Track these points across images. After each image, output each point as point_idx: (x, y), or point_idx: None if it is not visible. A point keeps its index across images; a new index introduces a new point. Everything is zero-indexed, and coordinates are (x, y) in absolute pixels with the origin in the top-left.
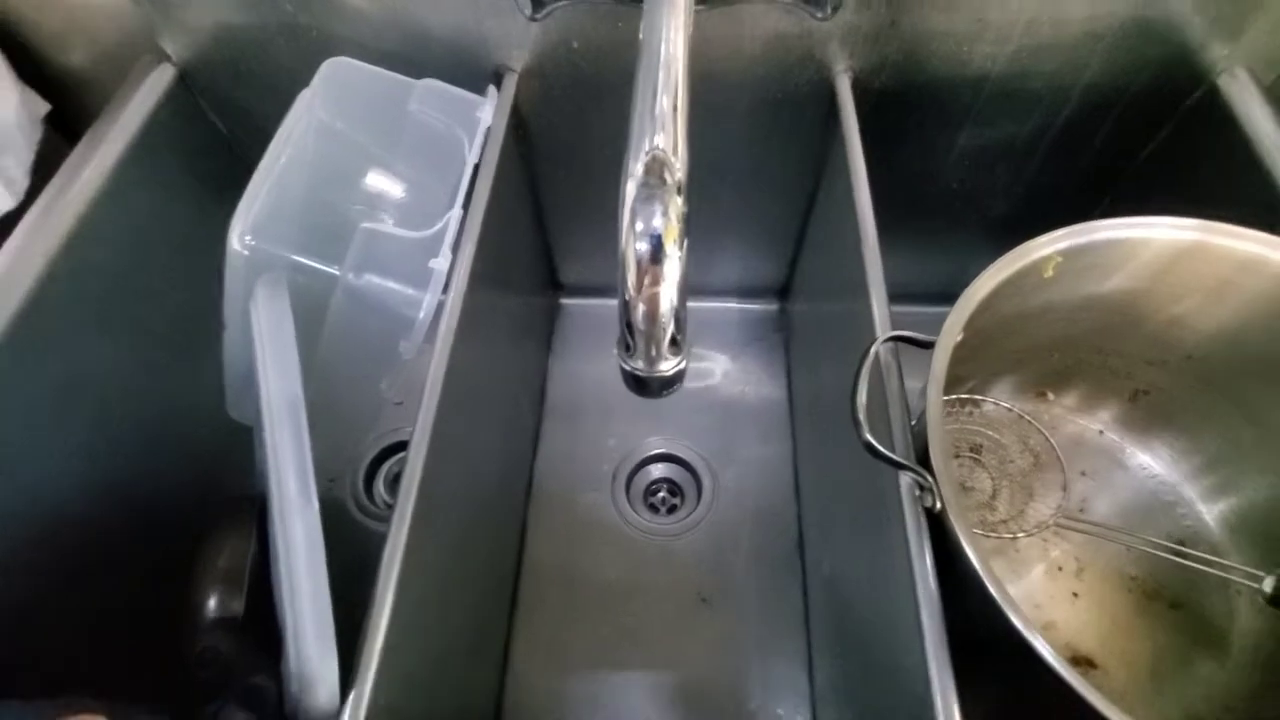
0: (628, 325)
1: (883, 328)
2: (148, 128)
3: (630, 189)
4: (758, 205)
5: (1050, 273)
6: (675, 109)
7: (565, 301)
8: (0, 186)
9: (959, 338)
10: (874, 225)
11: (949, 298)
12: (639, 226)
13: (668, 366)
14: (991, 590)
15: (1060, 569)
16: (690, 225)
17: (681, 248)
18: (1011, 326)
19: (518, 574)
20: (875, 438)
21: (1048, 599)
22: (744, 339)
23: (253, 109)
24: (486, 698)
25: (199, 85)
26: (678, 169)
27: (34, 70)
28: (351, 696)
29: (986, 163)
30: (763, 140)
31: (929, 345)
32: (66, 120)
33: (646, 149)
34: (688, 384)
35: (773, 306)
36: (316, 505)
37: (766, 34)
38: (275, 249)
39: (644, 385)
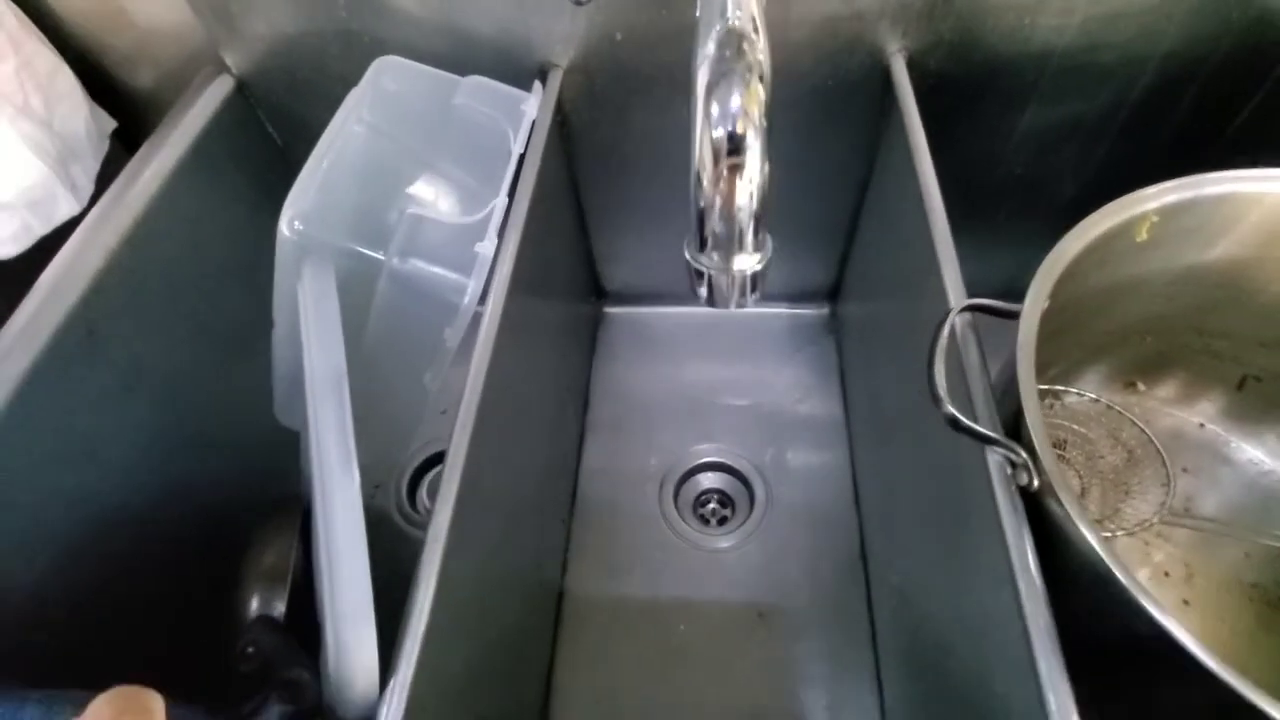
0: (700, 221)
1: (957, 297)
2: (205, 135)
3: (703, 72)
4: (805, 202)
5: (1144, 235)
6: None
7: (609, 310)
8: (68, 192)
9: (1045, 304)
10: (940, 199)
11: (1014, 295)
12: (715, 109)
13: (746, 263)
14: (1120, 577)
15: (1167, 574)
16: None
17: (763, 131)
18: (1097, 303)
19: (562, 586)
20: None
21: None
22: (794, 344)
23: (306, 117)
24: (530, 715)
25: (256, 95)
26: (759, 44)
27: (104, 89)
28: (392, 686)
29: (1053, 145)
30: (811, 132)
31: (1012, 315)
32: (132, 136)
33: (720, 24)
34: (735, 395)
35: (823, 310)
36: (358, 478)
37: (815, 17)
38: (323, 235)
39: (717, 288)
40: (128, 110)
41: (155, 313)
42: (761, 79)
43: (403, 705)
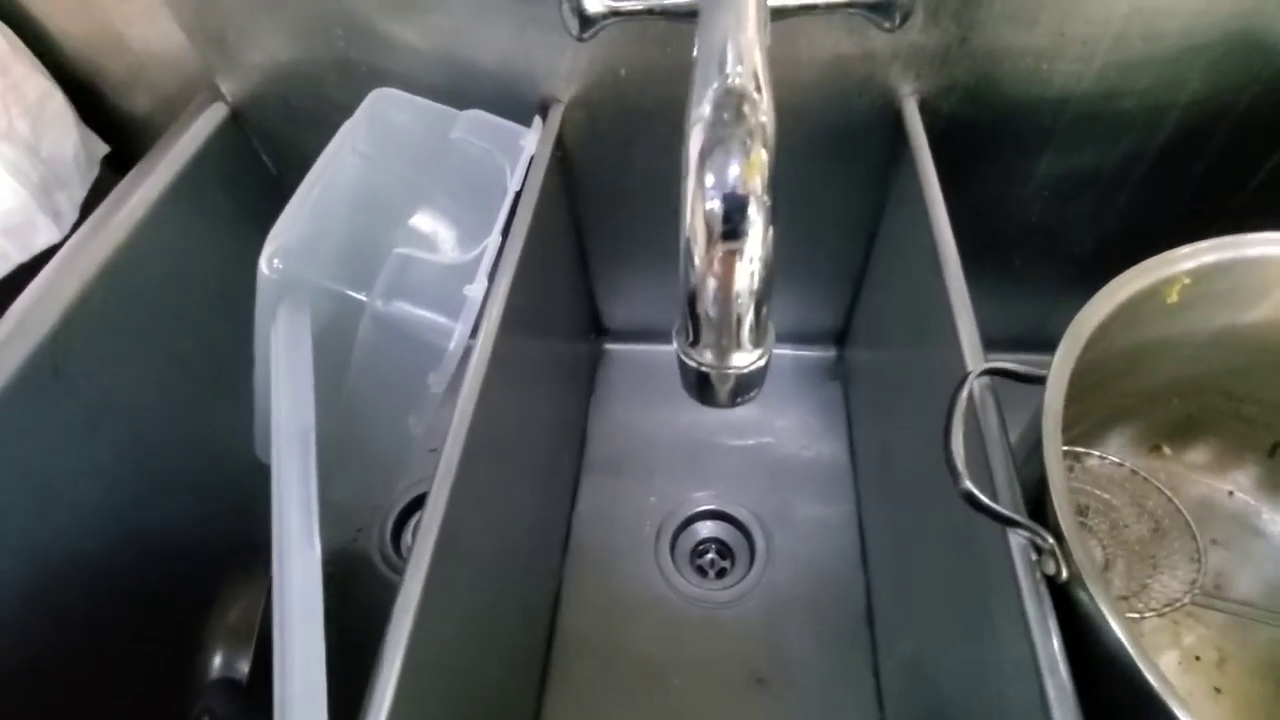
0: (691, 306)
1: (974, 360)
2: (196, 162)
3: (696, 135)
4: (813, 243)
5: (1175, 297)
6: (757, 37)
7: (609, 347)
8: (49, 220)
9: (1073, 367)
10: (955, 251)
11: (1029, 345)
12: (710, 180)
13: (744, 360)
14: (1155, 687)
15: (1198, 659)
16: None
17: (766, 206)
18: (1123, 364)
19: (550, 641)
20: (976, 487)
21: (1184, 695)
22: (798, 388)
23: (302, 146)
24: None
25: (251, 122)
26: (762, 105)
27: (100, 114)
28: None
29: (1070, 193)
30: (820, 173)
31: (1036, 380)
32: (125, 162)
33: (717, 82)
34: (737, 438)
35: (829, 353)
36: (319, 548)
37: (825, 56)
38: (305, 273)
39: (710, 387)
40: (123, 136)
41: (129, 347)
42: (765, 145)
43: None
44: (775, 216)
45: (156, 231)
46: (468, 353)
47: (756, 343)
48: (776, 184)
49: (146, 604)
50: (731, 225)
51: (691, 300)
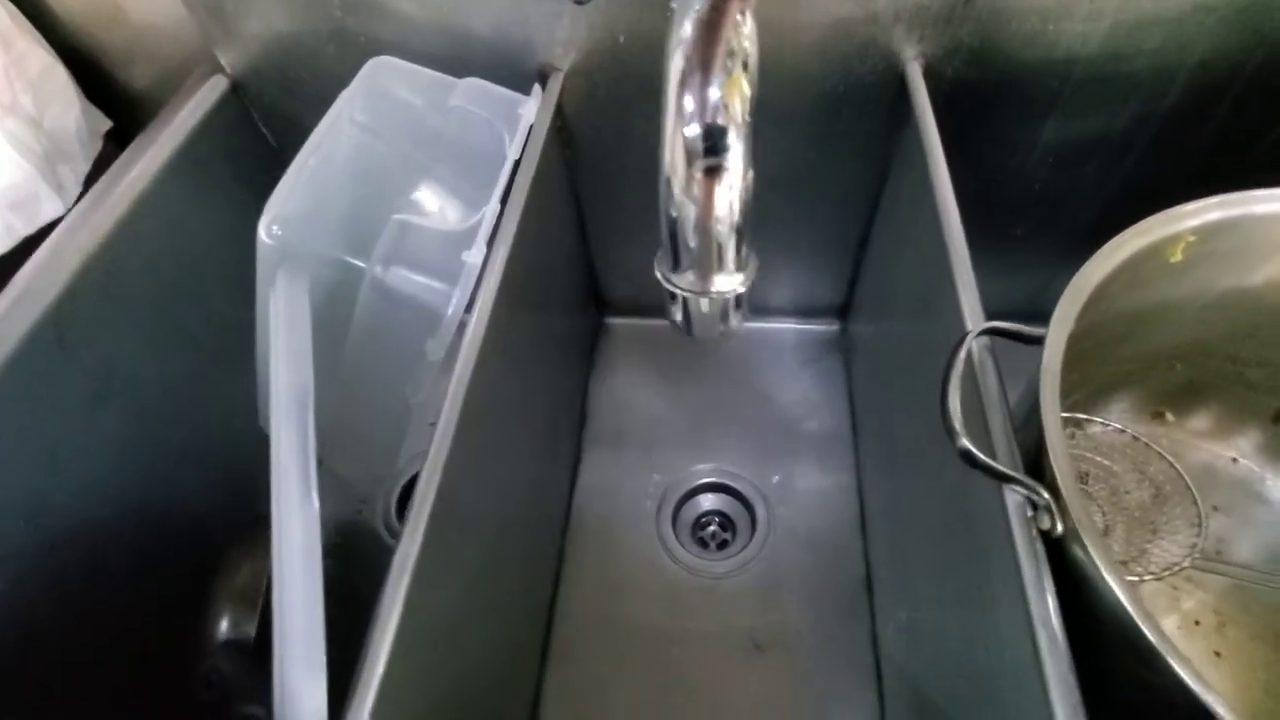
0: (671, 232)
1: (974, 320)
2: (197, 135)
3: (676, 58)
4: (814, 214)
5: (1179, 256)
6: None
7: (610, 320)
8: (53, 193)
9: (1072, 327)
10: (957, 213)
11: (1032, 317)
12: (688, 103)
13: (728, 284)
14: (1150, 637)
15: (1197, 623)
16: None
17: (747, 132)
18: (1125, 327)
19: (551, 612)
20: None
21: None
22: (800, 361)
23: (301, 117)
24: None
25: (250, 95)
26: (745, 28)
27: (101, 88)
28: None
29: (1076, 159)
30: (820, 141)
31: (1035, 340)
32: (128, 137)
33: (700, 4)
34: (739, 411)
35: (832, 326)
36: (317, 504)
37: (825, 19)
38: (305, 241)
39: (694, 313)
40: (124, 110)
41: (133, 319)
42: (746, 69)
43: None
44: (780, 155)
45: (158, 204)
46: (465, 325)
47: (739, 266)
48: (776, 153)
49: (155, 569)
50: (711, 150)
51: (671, 226)
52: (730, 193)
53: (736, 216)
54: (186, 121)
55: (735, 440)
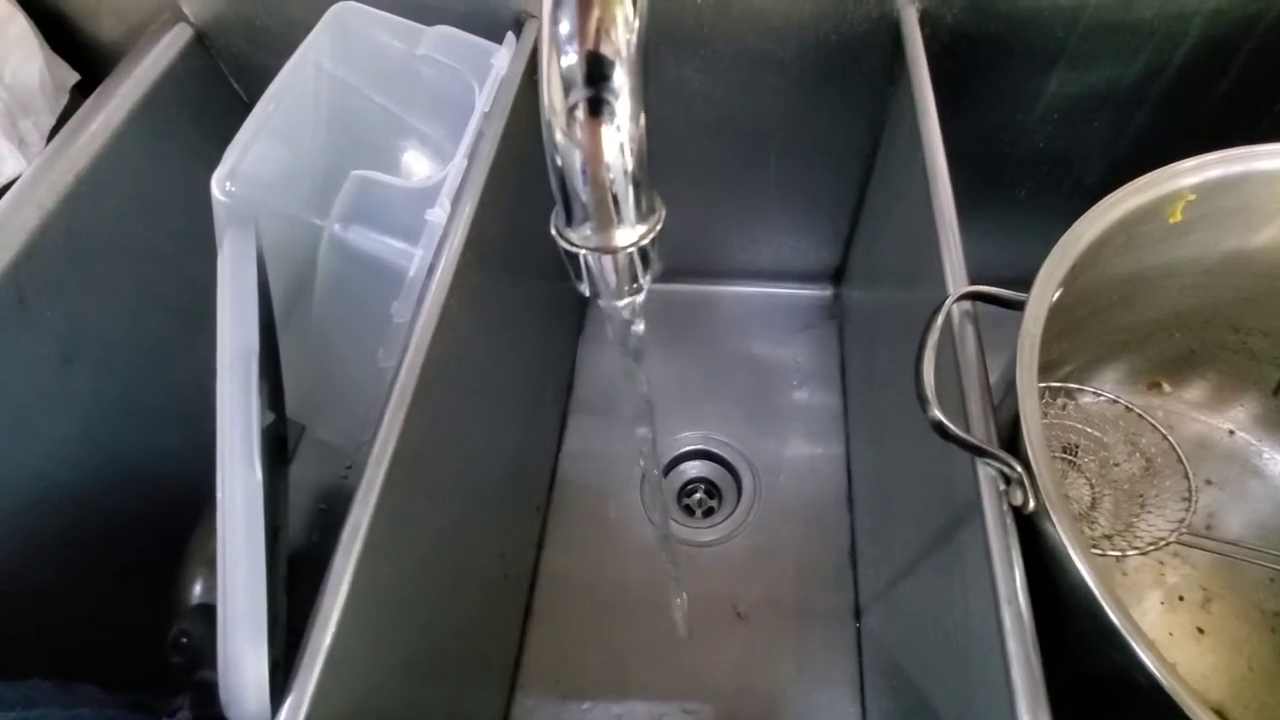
0: (559, 181)
1: (956, 282)
2: (160, 87)
3: None
4: (808, 173)
5: (1179, 216)
6: None
7: None
8: (14, 148)
9: (1056, 295)
10: (945, 169)
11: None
12: (564, 27)
13: (627, 237)
14: (1113, 618)
15: (1181, 599)
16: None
17: (635, 65)
18: (1120, 293)
19: (534, 576)
20: (948, 418)
21: (1165, 635)
22: (793, 327)
23: (270, 67)
24: (491, 713)
25: (216, 46)
26: None
27: (68, 40)
28: (287, 705)
29: (1082, 115)
30: (813, 94)
31: (1017, 305)
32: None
33: None
34: (728, 378)
35: (826, 292)
36: (260, 472)
37: None
38: (261, 197)
39: (596, 273)
40: (93, 64)
41: (98, 278)
42: None
43: None
44: (772, 109)
45: (119, 159)
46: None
47: (640, 217)
48: (768, 108)
49: (127, 532)
50: (592, 81)
51: (560, 177)
52: (619, 135)
53: (630, 164)
54: (149, 72)
55: (724, 408)
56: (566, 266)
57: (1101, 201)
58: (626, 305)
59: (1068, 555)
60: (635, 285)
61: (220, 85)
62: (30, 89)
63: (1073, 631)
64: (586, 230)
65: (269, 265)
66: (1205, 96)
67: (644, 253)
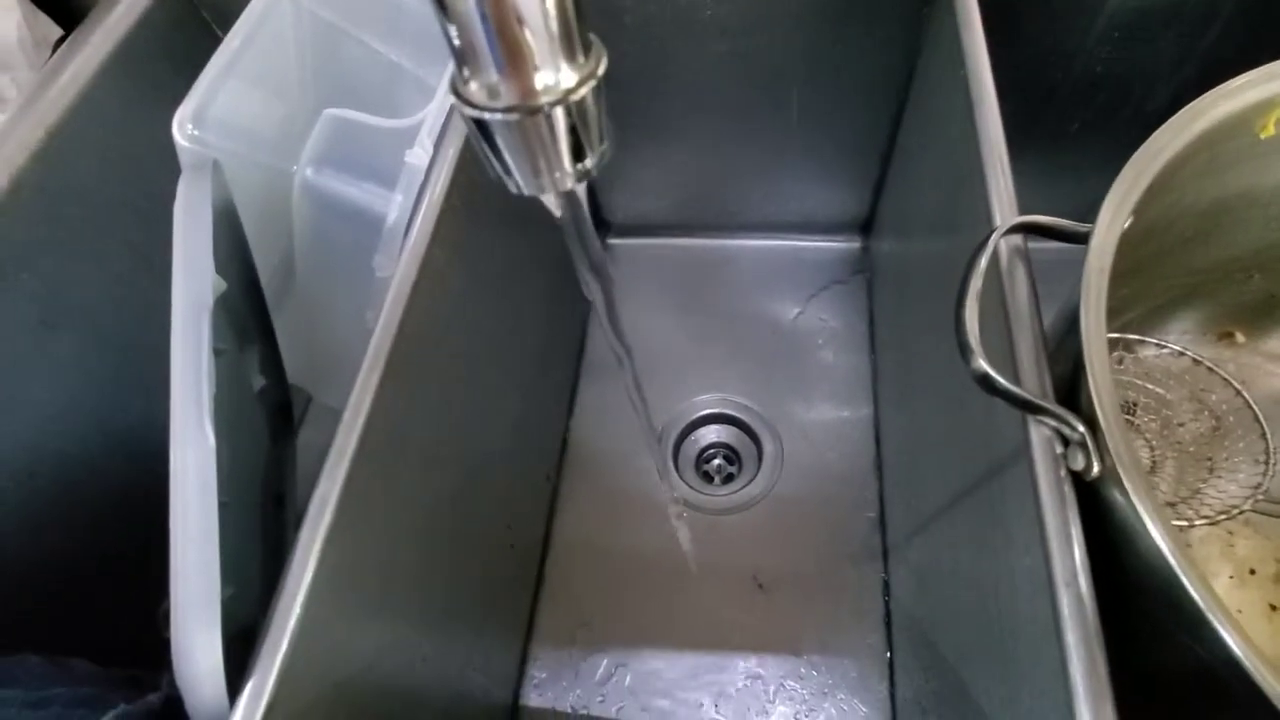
0: (443, 9)
1: (1004, 213)
2: (136, 34)
3: None
4: (834, 112)
5: (1271, 130)
6: None
7: (612, 241)
8: None
9: (1128, 223)
10: (993, 89)
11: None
12: None
13: (549, 81)
14: (1200, 603)
15: (1253, 572)
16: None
17: None
18: (1195, 227)
19: (546, 544)
20: (994, 370)
21: (1234, 613)
22: (818, 282)
23: None
24: (503, 688)
25: None
26: None
27: None
28: (246, 692)
29: (1146, 33)
30: (839, 21)
31: (1079, 238)
32: None
33: None
34: (749, 338)
35: (854, 244)
36: (212, 439)
37: None
38: (226, 142)
39: (505, 148)
40: (77, 18)
41: (76, 238)
42: None
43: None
44: (792, 41)
45: (93, 113)
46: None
47: (570, 54)
48: (790, 42)
49: (120, 502)
50: None
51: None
52: None
53: None
54: (124, 20)
55: (745, 369)
56: (477, 150)
57: (1182, 111)
58: (564, 204)
59: (1143, 528)
60: (576, 167)
61: (202, 32)
62: (7, 44)
63: (1140, 617)
64: (492, 77)
65: (250, 221)
66: None
67: (581, 111)
